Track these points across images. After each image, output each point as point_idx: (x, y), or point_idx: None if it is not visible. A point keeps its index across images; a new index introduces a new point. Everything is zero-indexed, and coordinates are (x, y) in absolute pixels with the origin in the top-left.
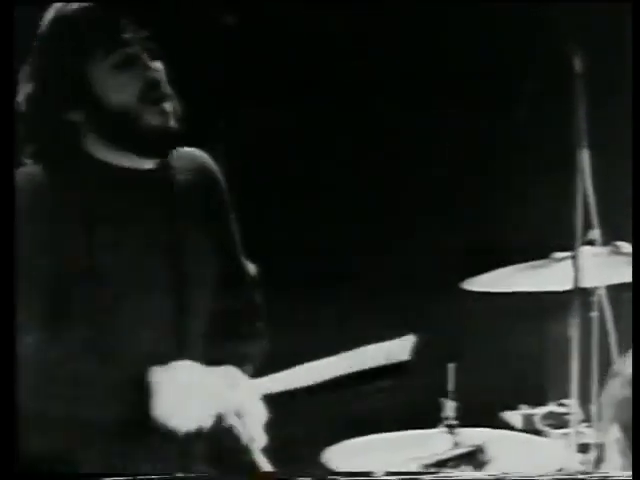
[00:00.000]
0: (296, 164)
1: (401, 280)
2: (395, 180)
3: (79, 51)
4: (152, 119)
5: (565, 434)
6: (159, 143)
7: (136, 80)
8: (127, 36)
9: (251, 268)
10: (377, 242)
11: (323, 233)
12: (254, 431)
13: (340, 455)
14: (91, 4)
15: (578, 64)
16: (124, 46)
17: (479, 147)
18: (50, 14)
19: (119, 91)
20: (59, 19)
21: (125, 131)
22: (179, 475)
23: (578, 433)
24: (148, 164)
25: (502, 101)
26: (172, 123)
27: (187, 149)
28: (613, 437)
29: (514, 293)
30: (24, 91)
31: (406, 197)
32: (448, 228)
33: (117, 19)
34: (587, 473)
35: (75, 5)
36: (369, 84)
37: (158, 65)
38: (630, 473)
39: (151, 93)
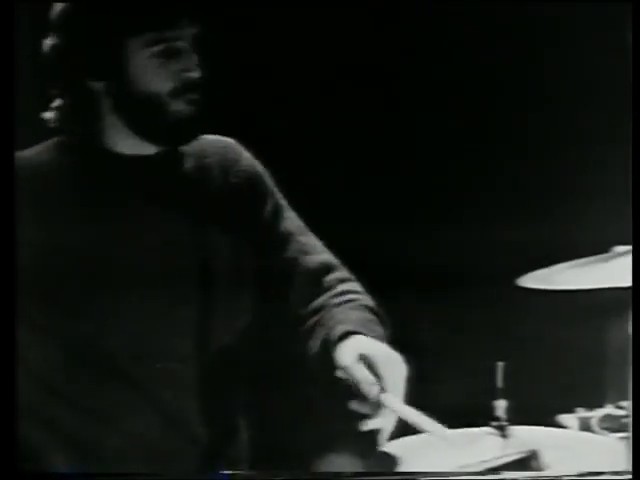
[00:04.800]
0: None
1: (453, 277)
2: (449, 173)
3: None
4: (178, 108)
5: (623, 438)
6: (180, 130)
7: (172, 77)
8: (177, 29)
9: None
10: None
11: (367, 233)
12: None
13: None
14: None
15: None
16: (171, 40)
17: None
18: None
19: (152, 81)
20: None
21: (145, 117)
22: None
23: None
24: (151, 150)
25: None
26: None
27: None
28: None
29: (572, 290)
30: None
31: (459, 189)
32: (503, 222)
33: (173, 11)
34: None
35: None
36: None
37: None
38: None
39: (183, 91)
